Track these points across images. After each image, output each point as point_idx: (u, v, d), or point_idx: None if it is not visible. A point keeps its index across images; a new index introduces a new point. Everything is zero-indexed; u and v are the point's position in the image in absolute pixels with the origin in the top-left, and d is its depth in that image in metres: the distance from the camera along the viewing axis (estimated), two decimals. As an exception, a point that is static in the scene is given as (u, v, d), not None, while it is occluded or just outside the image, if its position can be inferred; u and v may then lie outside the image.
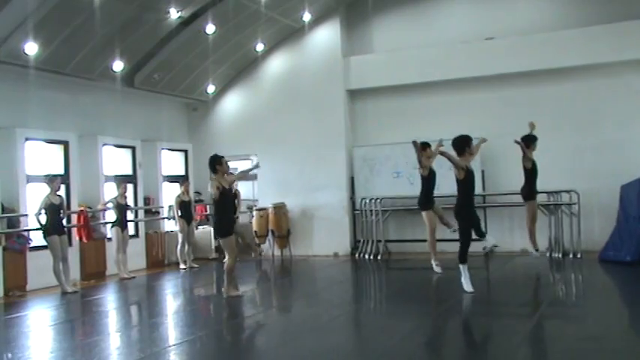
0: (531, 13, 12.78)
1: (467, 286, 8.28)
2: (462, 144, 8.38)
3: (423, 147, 10.00)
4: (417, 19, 13.59)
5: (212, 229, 8.70)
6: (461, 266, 8.33)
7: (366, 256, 12.90)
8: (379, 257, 12.80)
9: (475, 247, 12.58)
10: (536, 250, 10.27)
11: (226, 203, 8.57)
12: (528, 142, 9.82)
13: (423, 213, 10.38)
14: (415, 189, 12.99)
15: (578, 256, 11.28)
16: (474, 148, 8.53)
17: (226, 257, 8.79)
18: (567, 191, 11.57)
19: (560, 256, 11.56)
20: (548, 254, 11.67)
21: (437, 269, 10.22)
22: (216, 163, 8.58)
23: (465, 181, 8.27)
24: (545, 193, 10.98)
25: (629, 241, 10.39)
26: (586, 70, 12.22)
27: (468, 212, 8.33)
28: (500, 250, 12.35)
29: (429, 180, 10.19)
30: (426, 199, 10.30)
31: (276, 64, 14.47)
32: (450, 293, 8.90)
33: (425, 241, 13.03)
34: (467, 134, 8.57)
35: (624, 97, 12.01)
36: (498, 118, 12.77)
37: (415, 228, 13.44)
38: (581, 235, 11.49)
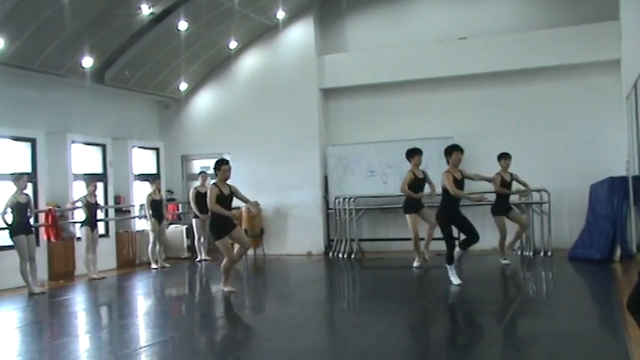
0: (504, 14, 12.89)
1: (454, 279, 8.77)
2: (446, 152, 8.89)
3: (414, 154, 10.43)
4: (390, 18, 13.61)
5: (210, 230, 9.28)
6: (447, 266, 8.88)
7: (340, 255, 12.87)
8: (353, 256, 12.80)
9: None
10: (504, 259, 10.70)
11: (223, 207, 8.66)
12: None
13: (407, 216, 10.64)
14: (388, 188, 13.11)
15: (549, 254, 11.42)
16: (455, 158, 8.80)
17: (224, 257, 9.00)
18: (538, 190, 11.69)
19: (531, 254, 11.68)
20: (519, 252, 11.80)
21: (415, 263, 10.82)
22: (218, 168, 8.79)
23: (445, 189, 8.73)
24: (517, 193, 11.09)
25: (598, 239, 10.54)
26: (557, 71, 12.37)
27: (447, 216, 8.76)
28: (472, 248, 12.46)
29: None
30: (411, 202, 10.49)
31: (250, 62, 14.37)
32: (424, 292, 8.93)
33: (398, 240, 13.20)
34: (454, 145, 9.24)
35: (594, 98, 12.17)
36: (471, 117, 12.88)
37: (388, 227, 13.51)
38: (551, 234, 11.64)
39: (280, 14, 13.40)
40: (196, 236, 13.30)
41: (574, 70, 12.25)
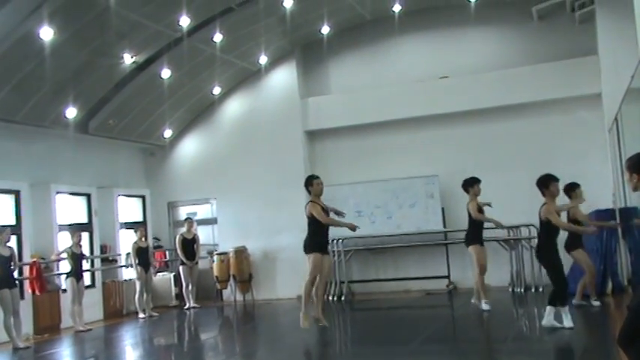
0: (484, 52, 13.09)
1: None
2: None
3: (473, 182, 9.82)
4: (372, 59, 13.77)
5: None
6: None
7: (330, 298, 12.72)
8: (343, 298, 12.65)
9: (439, 284, 12.71)
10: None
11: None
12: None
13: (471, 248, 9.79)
14: (377, 228, 13.05)
15: (540, 289, 11.34)
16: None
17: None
18: (526, 225, 11.68)
19: (522, 290, 11.61)
20: (510, 289, 11.72)
21: (485, 307, 9.60)
22: (310, 184, 8.71)
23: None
24: (506, 228, 11.06)
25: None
26: (539, 106, 12.51)
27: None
28: (463, 286, 12.40)
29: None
30: (478, 233, 9.77)
31: (234, 107, 14.44)
32: (415, 332, 8.80)
33: (387, 280, 13.11)
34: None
35: (578, 132, 12.28)
36: (455, 155, 12.94)
37: (378, 268, 13.41)
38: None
39: (263, 59, 13.53)
40: (184, 283, 13.12)
41: (556, 106, 12.40)
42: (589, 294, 9.45)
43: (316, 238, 8.44)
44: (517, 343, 7.74)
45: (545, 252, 7.80)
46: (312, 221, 8.42)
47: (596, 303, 9.36)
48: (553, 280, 7.78)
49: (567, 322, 7.60)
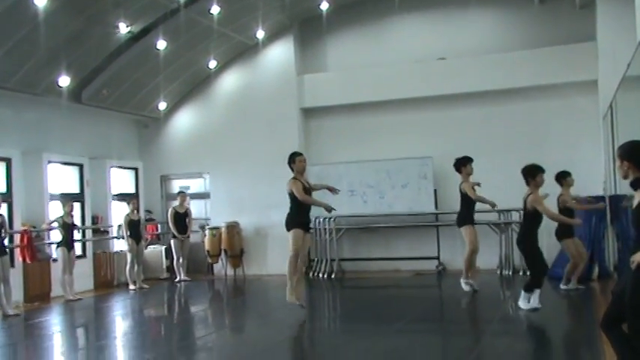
0: (482, 35, 13.02)
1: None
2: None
3: (465, 162, 9.73)
4: (370, 38, 13.69)
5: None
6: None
7: (321, 275, 12.79)
8: (333, 276, 12.72)
9: (429, 264, 12.79)
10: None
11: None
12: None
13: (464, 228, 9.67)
14: (368, 207, 13.09)
15: (528, 273, 11.40)
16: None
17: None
18: (517, 210, 11.72)
19: (510, 273, 11.71)
20: (498, 272, 11.81)
21: (465, 287, 9.64)
22: (292, 161, 8.54)
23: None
24: (497, 211, 11.10)
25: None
26: (535, 91, 12.49)
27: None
28: (451, 267, 12.49)
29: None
30: (470, 214, 9.71)
31: (229, 82, 14.35)
32: (403, 312, 8.88)
33: (378, 259, 13.18)
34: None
35: (572, 118, 12.28)
36: (450, 137, 12.93)
37: (369, 247, 13.46)
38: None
39: (260, 34, 13.42)
40: (175, 257, 13.15)
41: (552, 91, 12.38)
42: (571, 278, 9.55)
43: (298, 218, 8.39)
44: (502, 325, 7.83)
45: (526, 241, 7.95)
46: (293, 199, 8.38)
47: (570, 286, 9.49)
48: (531, 268, 8.03)
49: (534, 302, 7.81)
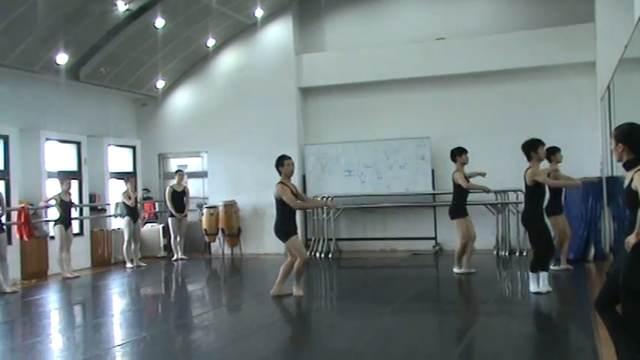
0: (481, 15, 12.96)
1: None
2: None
3: (460, 152, 9.69)
4: (369, 17, 13.62)
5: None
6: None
7: (317, 255, 12.86)
8: (330, 256, 12.79)
9: (426, 245, 12.86)
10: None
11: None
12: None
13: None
14: (366, 187, 13.13)
15: (524, 254, 11.51)
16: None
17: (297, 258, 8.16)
18: (514, 190, 11.77)
19: (506, 254, 11.78)
20: (495, 252, 11.89)
21: (456, 269, 9.78)
22: (281, 164, 8.15)
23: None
24: (493, 192, 11.13)
25: (572, 239, 10.61)
26: (534, 72, 12.46)
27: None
28: (448, 248, 12.55)
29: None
30: (463, 205, 9.71)
31: (228, 60, 14.29)
32: (399, 291, 8.94)
33: (375, 239, 13.26)
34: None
35: (570, 99, 12.28)
36: (448, 117, 12.94)
37: (366, 227, 13.53)
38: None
39: (259, 12, 13.34)
40: (172, 235, 13.20)
41: (550, 71, 12.35)
42: (560, 258, 9.60)
43: (290, 225, 8.13)
44: (498, 305, 7.90)
45: (532, 218, 7.80)
46: (282, 204, 8.06)
47: (561, 267, 9.57)
48: (537, 247, 7.82)
49: (544, 286, 7.70)
